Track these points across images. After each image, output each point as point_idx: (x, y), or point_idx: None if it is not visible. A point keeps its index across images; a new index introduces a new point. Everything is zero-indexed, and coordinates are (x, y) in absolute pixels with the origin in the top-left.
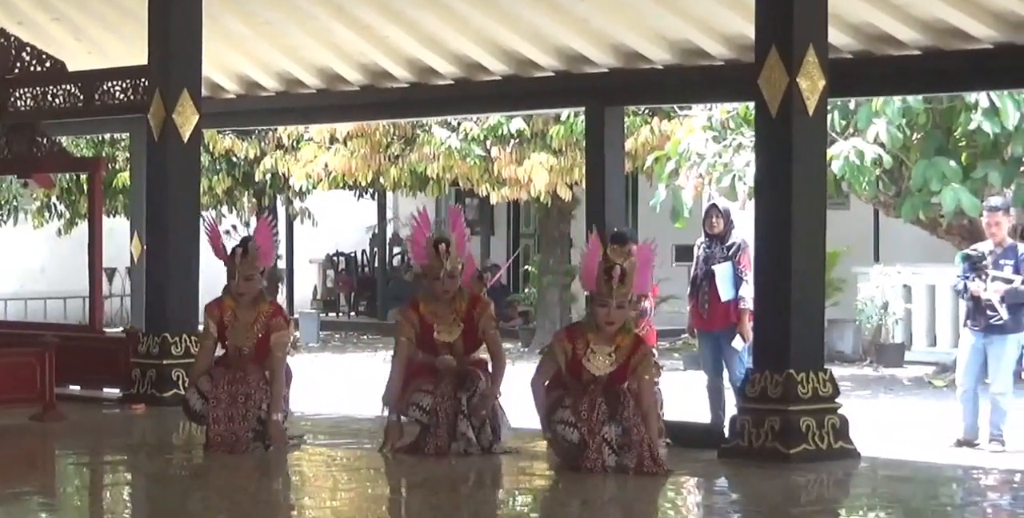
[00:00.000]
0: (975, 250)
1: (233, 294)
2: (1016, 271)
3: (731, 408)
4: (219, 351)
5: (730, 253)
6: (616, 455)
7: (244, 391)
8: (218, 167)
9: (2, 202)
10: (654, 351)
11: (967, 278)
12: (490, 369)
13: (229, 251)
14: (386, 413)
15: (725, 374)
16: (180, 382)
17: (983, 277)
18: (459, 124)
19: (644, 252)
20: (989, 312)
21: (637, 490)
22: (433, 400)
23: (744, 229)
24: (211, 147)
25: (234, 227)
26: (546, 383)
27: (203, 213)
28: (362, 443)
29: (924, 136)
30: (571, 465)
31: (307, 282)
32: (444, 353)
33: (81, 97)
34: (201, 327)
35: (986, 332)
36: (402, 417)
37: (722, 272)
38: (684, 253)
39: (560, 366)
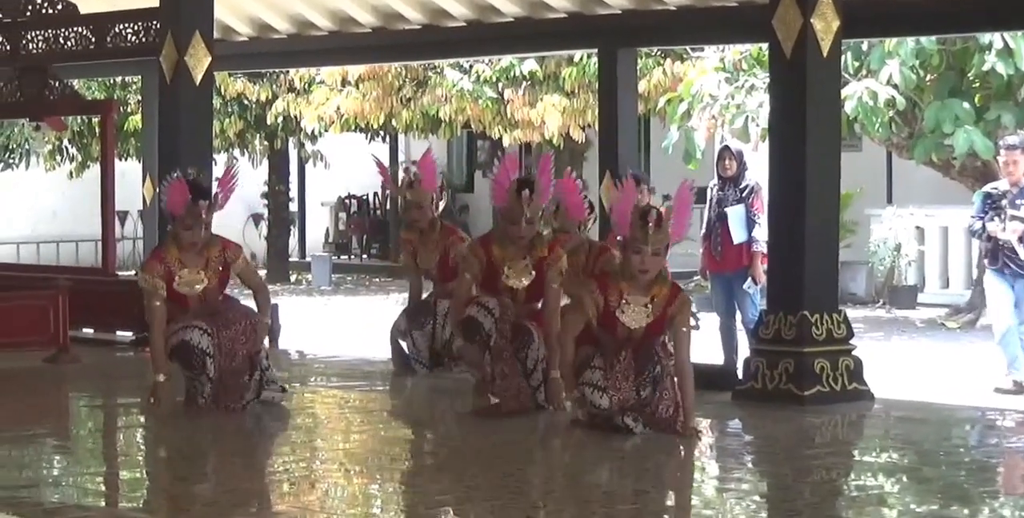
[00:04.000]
0: (995, 188)
1: (186, 244)
2: None
3: (744, 350)
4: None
5: (743, 195)
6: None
7: (235, 335)
8: (230, 110)
9: (14, 145)
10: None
11: (983, 218)
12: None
13: (188, 201)
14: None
15: (738, 316)
16: None
17: (1001, 217)
18: (471, 66)
19: (683, 195)
20: (1010, 254)
21: (650, 434)
22: (499, 304)
23: (757, 171)
24: (223, 90)
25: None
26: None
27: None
28: (375, 385)
29: (937, 77)
30: (595, 425)
31: (319, 225)
32: (506, 298)
33: (93, 40)
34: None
35: (1015, 276)
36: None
37: (735, 214)
38: (697, 195)
39: (591, 317)
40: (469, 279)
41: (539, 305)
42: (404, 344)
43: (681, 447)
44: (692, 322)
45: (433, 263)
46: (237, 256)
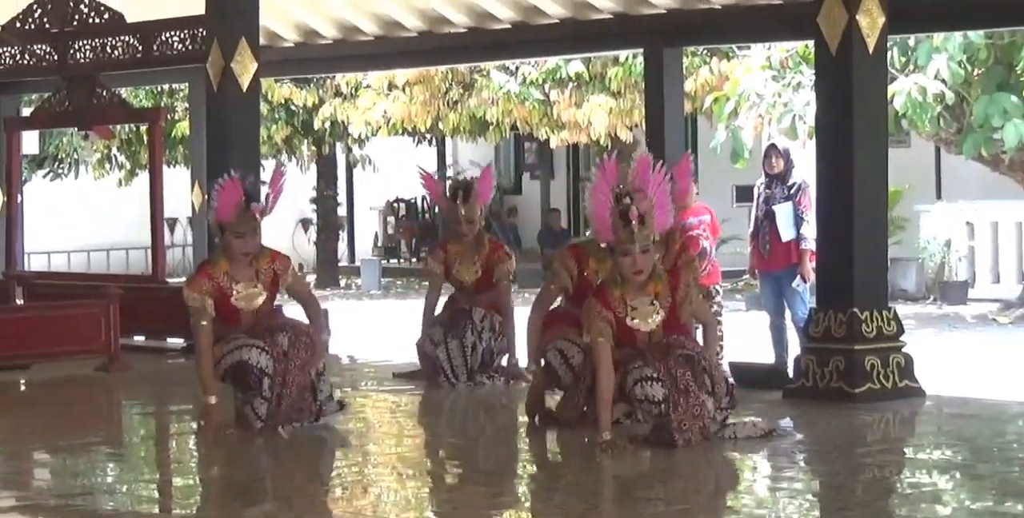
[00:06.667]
0: None
1: (235, 254)
2: None
3: (794, 348)
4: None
5: (791, 193)
6: (720, 413)
7: (294, 353)
8: (277, 116)
9: (63, 155)
10: (717, 289)
11: None
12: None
13: (241, 206)
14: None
15: (787, 314)
16: None
17: None
18: (517, 68)
19: (656, 183)
20: None
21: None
22: (581, 352)
23: (805, 169)
24: (270, 96)
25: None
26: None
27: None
28: (426, 389)
29: (985, 71)
30: (661, 437)
31: (368, 229)
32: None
33: (140, 48)
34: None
35: None
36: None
37: (783, 212)
38: (745, 193)
39: (610, 342)
40: (554, 290)
41: None
42: (439, 354)
43: (734, 446)
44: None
45: (474, 277)
46: (286, 268)
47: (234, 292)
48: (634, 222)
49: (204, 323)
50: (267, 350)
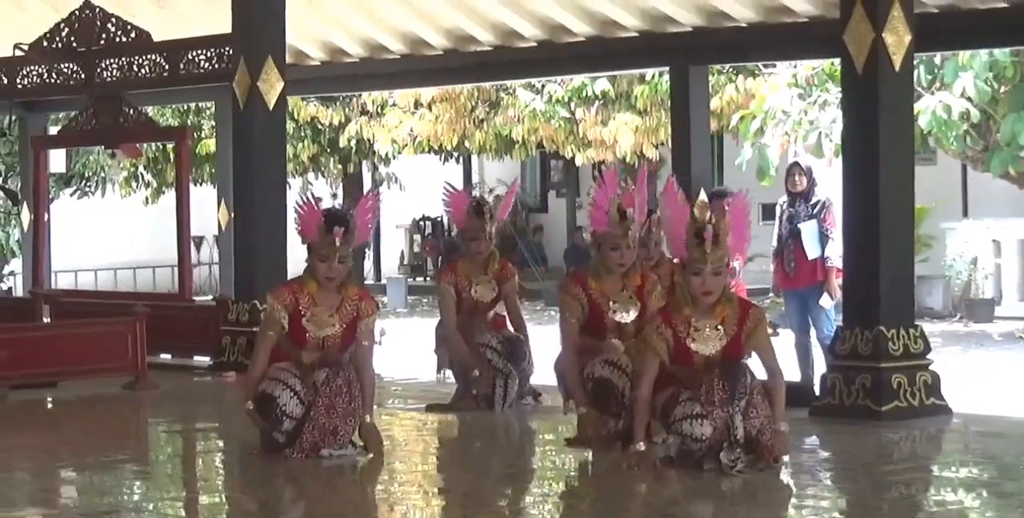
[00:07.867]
0: None
1: (321, 278)
2: None
3: (820, 366)
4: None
5: (815, 211)
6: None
7: (345, 391)
8: (303, 134)
9: (90, 173)
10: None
11: None
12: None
13: (322, 229)
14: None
15: (813, 332)
16: None
17: None
18: (543, 86)
19: (739, 206)
20: None
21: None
22: (627, 357)
23: (830, 186)
24: (296, 114)
25: (333, 196)
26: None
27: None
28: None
29: (1012, 89)
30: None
31: (394, 247)
32: (613, 336)
33: (166, 67)
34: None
35: None
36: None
37: (808, 230)
38: (770, 212)
39: (663, 358)
40: (575, 323)
41: None
42: (497, 383)
43: (759, 464)
44: (770, 330)
45: (493, 295)
46: (370, 312)
47: (308, 313)
48: (708, 241)
49: (270, 333)
50: (301, 398)
